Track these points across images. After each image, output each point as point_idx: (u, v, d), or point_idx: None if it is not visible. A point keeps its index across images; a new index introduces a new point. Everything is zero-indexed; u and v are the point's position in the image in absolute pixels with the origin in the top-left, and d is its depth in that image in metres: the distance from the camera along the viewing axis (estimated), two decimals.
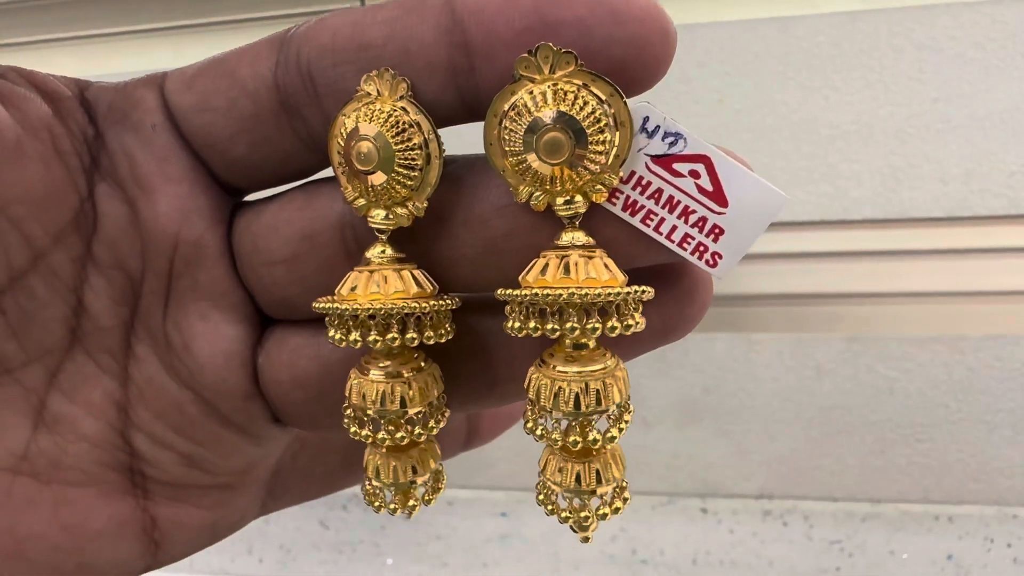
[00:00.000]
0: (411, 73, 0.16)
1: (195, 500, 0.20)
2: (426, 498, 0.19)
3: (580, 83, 0.15)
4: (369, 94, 0.16)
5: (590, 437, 0.16)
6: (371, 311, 0.16)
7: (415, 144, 0.16)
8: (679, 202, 0.16)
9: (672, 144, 0.16)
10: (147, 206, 0.18)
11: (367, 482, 0.19)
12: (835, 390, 0.48)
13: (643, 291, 0.16)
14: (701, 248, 0.16)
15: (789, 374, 0.48)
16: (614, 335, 0.16)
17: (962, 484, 0.48)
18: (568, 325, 0.16)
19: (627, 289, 0.16)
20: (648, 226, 0.16)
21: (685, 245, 0.16)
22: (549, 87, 0.15)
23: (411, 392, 0.17)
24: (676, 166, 0.16)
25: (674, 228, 0.16)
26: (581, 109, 0.15)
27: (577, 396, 0.16)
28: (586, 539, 0.17)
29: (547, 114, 0.15)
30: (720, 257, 0.16)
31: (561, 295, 0.15)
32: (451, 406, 0.19)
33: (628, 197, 0.16)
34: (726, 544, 0.50)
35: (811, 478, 0.49)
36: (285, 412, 0.19)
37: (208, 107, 0.18)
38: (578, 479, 0.17)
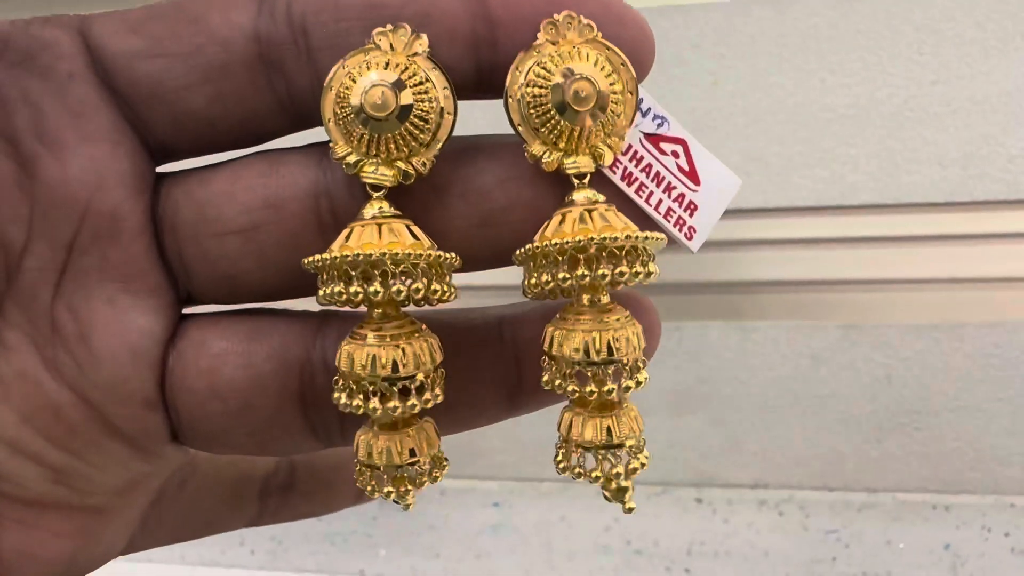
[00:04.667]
0: (429, 38, 0.16)
1: (54, 526, 0.17)
2: (420, 480, 0.17)
3: (598, 50, 0.17)
4: (379, 47, 0.16)
5: (627, 384, 0.17)
6: (399, 257, 0.15)
7: (432, 96, 0.16)
8: (664, 177, 0.18)
9: (659, 125, 0.18)
10: (51, 166, 0.16)
11: (357, 463, 0.17)
12: (831, 378, 0.47)
13: (661, 237, 0.17)
14: (680, 221, 0.18)
15: (785, 362, 0.47)
16: (637, 280, 0.17)
17: (960, 473, 0.47)
18: (618, 270, 0.16)
19: (655, 234, 0.17)
20: (640, 197, 0.18)
21: (668, 217, 0.18)
22: (575, 48, 0.16)
23: (404, 357, 0.16)
24: (662, 145, 0.18)
25: (660, 201, 0.18)
26: (603, 69, 0.17)
27: (609, 344, 0.16)
28: (630, 509, 0.17)
29: (577, 66, 0.16)
30: (694, 231, 0.18)
31: (617, 238, 0.16)
32: None
33: (625, 168, 0.18)
34: (721, 534, 0.50)
35: (807, 467, 0.49)
36: (192, 427, 0.17)
37: (162, 52, 0.15)
38: (609, 432, 0.17)
